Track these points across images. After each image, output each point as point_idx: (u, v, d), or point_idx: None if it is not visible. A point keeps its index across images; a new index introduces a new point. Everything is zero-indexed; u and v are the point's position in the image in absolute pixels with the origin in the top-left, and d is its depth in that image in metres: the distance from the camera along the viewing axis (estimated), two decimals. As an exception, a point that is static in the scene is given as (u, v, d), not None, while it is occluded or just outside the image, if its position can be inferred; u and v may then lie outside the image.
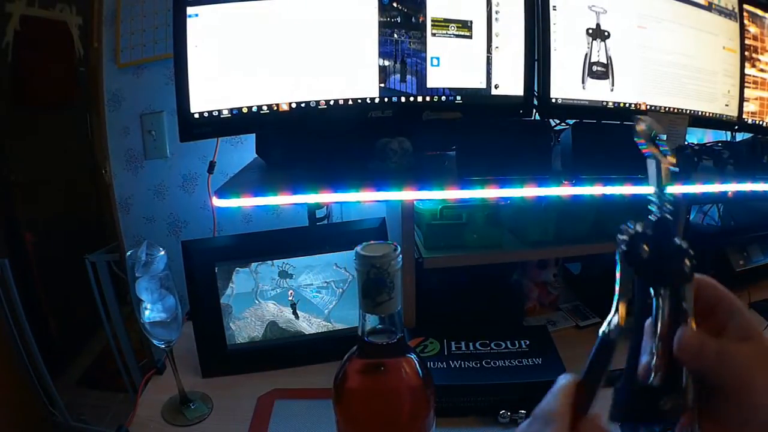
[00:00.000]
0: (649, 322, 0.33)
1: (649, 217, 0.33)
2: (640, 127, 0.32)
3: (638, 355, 0.33)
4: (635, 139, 0.33)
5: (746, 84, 1.14)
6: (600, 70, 0.99)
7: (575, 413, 0.31)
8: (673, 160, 0.32)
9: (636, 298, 0.33)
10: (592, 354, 0.33)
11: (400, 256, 0.44)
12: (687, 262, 0.32)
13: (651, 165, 0.32)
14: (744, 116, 1.15)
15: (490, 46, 0.93)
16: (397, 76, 0.89)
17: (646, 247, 0.32)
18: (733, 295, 0.34)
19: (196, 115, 0.82)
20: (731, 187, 0.90)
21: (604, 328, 0.33)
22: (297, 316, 0.92)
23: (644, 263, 0.32)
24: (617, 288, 0.33)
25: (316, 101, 0.86)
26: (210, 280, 0.88)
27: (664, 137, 0.32)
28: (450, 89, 0.92)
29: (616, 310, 0.33)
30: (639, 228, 0.32)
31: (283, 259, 0.90)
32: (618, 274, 0.33)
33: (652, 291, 0.33)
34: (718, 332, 0.33)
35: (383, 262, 0.43)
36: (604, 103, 1.00)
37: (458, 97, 0.93)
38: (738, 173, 0.91)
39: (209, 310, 0.88)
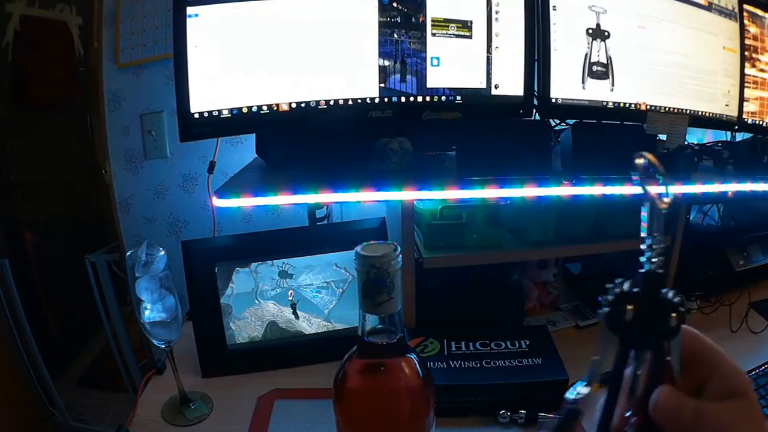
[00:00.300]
0: (627, 377, 0.31)
1: (639, 267, 0.30)
2: (639, 161, 0.30)
3: (613, 410, 0.31)
4: (632, 174, 0.30)
5: (746, 84, 1.14)
6: (600, 70, 0.98)
7: None
8: (668, 203, 0.30)
9: (616, 353, 0.31)
10: (557, 424, 0.32)
11: (400, 256, 0.44)
12: (675, 316, 0.30)
13: (645, 206, 0.30)
14: (744, 116, 1.15)
15: (490, 46, 0.93)
16: (397, 76, 0.89)
17: (630, 309, 0.30)
18: (718, 348, 0.32)
19: (196, 115, 0.82)
20: (731, 187, 0.90)
21: (571, 395, 0.31)
22: (297, 316, 0.92)
23: (627, 327, 0.30)
24: (596, 354, 0.31)
25: (316, 101, 0.86)
26: (210, 280, 0.88)
27: (662, 176, 0.30)
28: (450, 89, 0.92)
29: (589, 381, 0.31)
30: (625, 287, 0.31)
31: (283, 259, 0.90)
32: (598, 339, 0.31)
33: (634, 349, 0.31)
34: (699, 386, 0.31)
35: (383, 262, 0.43)
36: (604, 103, 1.00)
37: (458, 97, 0.93)
38: (738, 173, 0.91)
39: (209, 310, 0.88)
